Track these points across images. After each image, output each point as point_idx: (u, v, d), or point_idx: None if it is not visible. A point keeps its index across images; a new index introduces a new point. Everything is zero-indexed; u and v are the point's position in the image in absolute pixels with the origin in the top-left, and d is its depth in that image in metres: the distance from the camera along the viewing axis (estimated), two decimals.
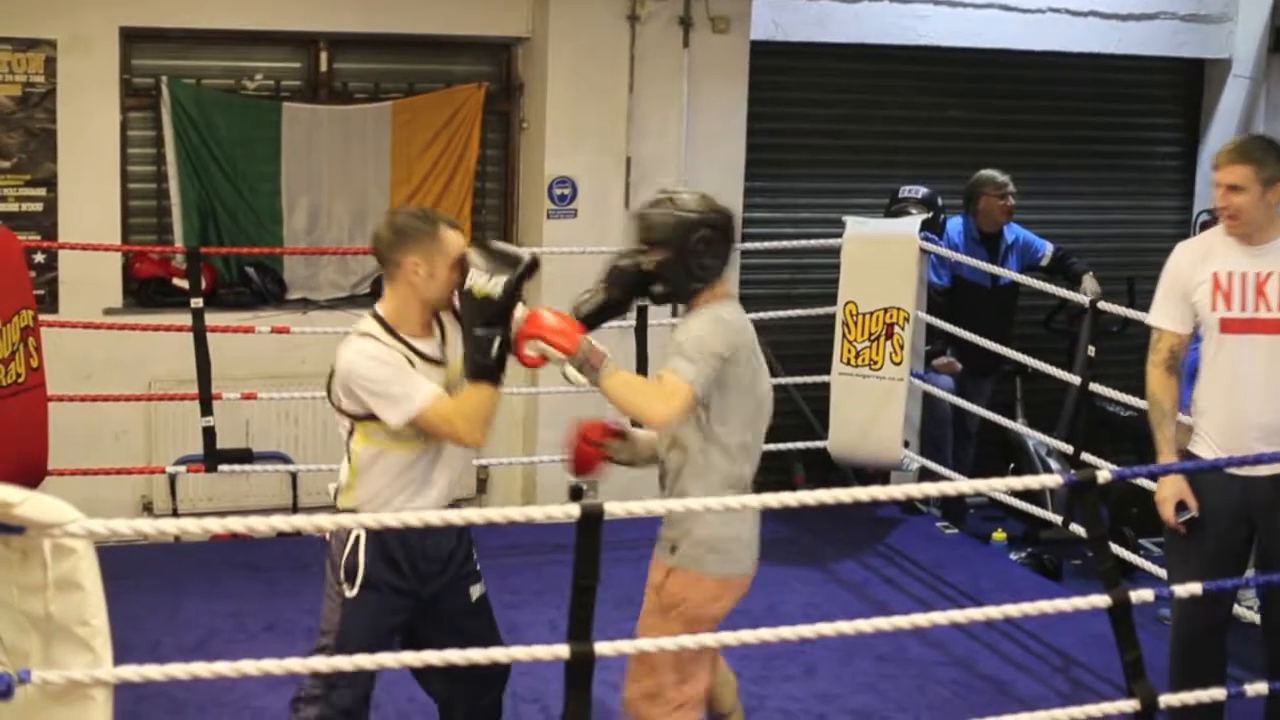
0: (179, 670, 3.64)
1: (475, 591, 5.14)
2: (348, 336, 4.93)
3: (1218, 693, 4.91)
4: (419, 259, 4.84)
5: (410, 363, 4.83)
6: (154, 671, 3.59)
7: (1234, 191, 5.54)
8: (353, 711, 4.97)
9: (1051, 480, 4.76)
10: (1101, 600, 4.61)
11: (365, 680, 4.96)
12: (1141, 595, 4.71)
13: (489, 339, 4.80)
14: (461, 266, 4.84)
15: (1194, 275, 5.65)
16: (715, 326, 5.02)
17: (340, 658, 3.67)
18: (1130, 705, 4.67)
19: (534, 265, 4.87)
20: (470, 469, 5.16)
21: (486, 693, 5.23)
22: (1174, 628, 5.94)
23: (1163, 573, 6.76)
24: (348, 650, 4.54)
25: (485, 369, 4.82)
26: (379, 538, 4.86)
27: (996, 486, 4.91)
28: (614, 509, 3.90)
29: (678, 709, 5.14)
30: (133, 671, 3.55)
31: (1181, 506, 5.66)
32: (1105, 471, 4.61)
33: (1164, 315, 5.76)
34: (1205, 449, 5.70)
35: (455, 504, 5.00)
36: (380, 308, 4.95)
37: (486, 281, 4.78)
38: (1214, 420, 5.68)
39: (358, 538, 4.89)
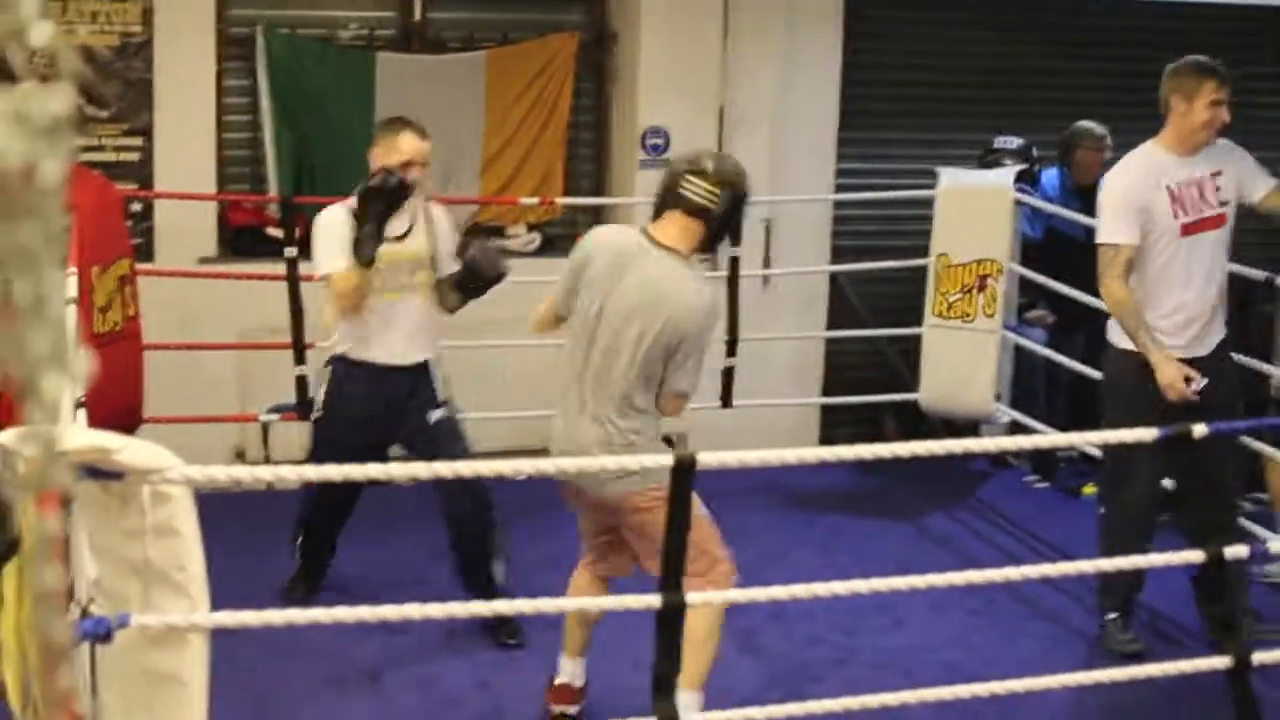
0: (275, 616, 3.69)
1: (433, 416, 6.58)
2: None
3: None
4: (379, 151, 6.40)
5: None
6: (250, 617, 3.64)
7: (1224, 107, 6.47)
8: (328, 520, 6.95)
9: (1146, 434, 4.73)
10: (1195, 555, 4.58)
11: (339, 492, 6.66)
12: (1235, 551, 4.67)
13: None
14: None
15: (1146, 192, 6.50)
16: None
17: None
18: (1222, 661, 4.65)
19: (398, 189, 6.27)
20: (427, 335, 6.68)
21: (463, 499, 6.53)
22: (1111, 494, 6.79)
23: (1259, 530, 6.78)
24: (318, 458, 6.42)
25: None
26: (340, 380, 6.63)
27: (1091, 439, 4.89)
28: (707, 459, 3.90)
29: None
30: (229, 617, 3.60)
31: (1188, 380, 6.35)
32: (1201, 425, 4.57)
33: (1124, 232, 6.51)
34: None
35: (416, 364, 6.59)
36: None
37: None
38: (1161, 313, 6.50)
39: (328, 377, 6.71)
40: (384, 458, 6.53)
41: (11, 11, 1.39)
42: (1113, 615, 6.79)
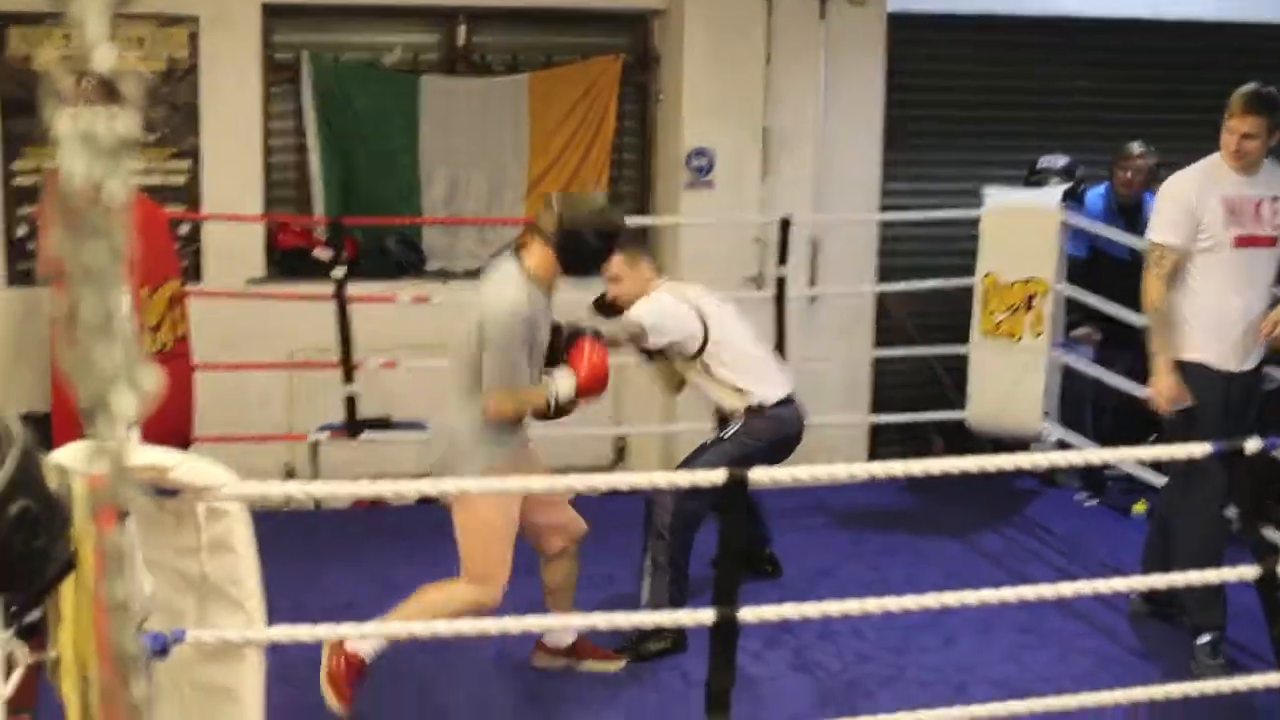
0: (328, 632, 3.70)
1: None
2: None
3: None
4: None
5: None
6: (304, 633, 3.65)
7: (1248, 139, 6.47)
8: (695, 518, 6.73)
9: (1197, 450, 4.70)
10: (1250, 572, 4.56)
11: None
12: None
13: None
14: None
15: (1201, 200, 6.55)
16: None
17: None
18: (1278, 679, 4.62)
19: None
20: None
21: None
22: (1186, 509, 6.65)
23: None
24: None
25: None
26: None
27: (1141, 456, 4.87)
28: (758, 476, 3.90)
29: None
30: (283, 633, 3.61)
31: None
32: (1254, 441, 4.55)
33: (1175, 234, 6.57)
34: (1197, 350, 6.58)
35: None
36: None
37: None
38: (1209, 322, 6.57)
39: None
40: None
41: (78, 37, 1.41)
42: (1206, 639, 6.61)
